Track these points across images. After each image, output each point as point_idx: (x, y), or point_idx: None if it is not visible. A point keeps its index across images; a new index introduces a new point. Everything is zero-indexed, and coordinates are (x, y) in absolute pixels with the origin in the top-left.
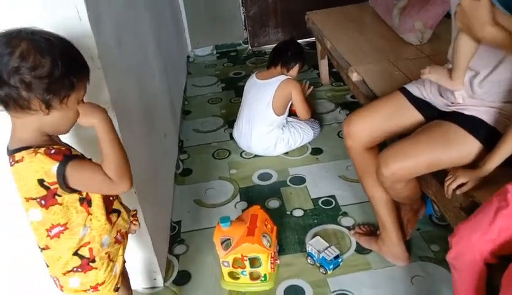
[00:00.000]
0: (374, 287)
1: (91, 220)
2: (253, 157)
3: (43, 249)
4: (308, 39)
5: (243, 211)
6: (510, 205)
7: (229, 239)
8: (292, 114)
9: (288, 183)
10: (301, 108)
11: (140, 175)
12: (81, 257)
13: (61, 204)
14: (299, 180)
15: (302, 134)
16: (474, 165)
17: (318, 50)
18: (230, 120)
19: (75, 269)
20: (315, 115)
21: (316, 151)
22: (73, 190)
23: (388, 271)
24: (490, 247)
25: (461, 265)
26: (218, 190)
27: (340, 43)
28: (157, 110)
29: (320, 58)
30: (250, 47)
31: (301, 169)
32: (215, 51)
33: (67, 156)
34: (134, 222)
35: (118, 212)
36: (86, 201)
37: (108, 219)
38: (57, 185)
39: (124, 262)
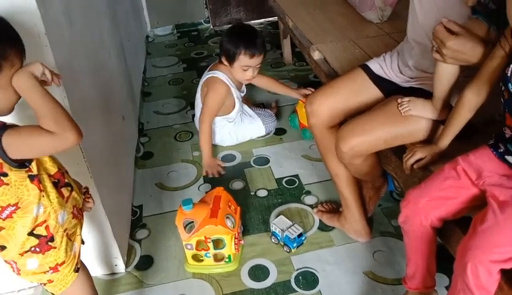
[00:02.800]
0: (336, 263)
1: (43, 196)
2: None
3: None
4: (270, 18)
5: (206, 193)
6: (461, 177)
7: (193, 222)
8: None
9: (252, 164)
10: (204, 114)
11: (96, 158)
12: (37, 236)
13: (7, 184)
14: (263, 160)
15: (251, 130)
16: (431, 139)
17: (281, 29)
18: (192, 101)
19: (32, 249)
20: (269, 108)
21: (279, 131)
22: (21, 164)
23: (350, 248)
24: (438, 213)
25: (409, 228)
26: (181, 172)
27: (301, 22)
28: (114, 91)
29: (283, 37)
30: (211, 26)
31: (264, 150)
32: (175, 31)
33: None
34: (87, 199)
35: (71, 186)
36: (36, 178)
37: (60, 193)
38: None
39: (82, 242)
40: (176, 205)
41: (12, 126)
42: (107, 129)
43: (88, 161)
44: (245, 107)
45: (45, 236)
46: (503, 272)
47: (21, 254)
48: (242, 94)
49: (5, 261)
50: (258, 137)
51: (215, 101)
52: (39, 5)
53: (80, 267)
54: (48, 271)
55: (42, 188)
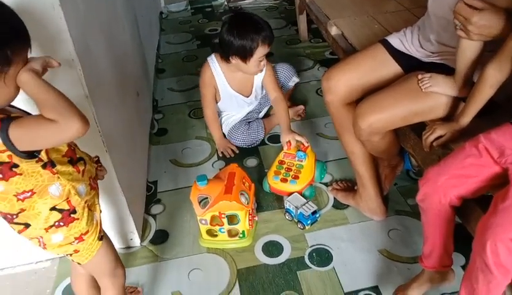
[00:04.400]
0: (351, 241)
1: (58, 177)
2: None
3: (18, 213)
4: None
5: (220, 169)
6: (483, 155)
7: (207, 197)
8: None
9: (266, 141)
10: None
11: (111, 134)
12: (60, 210)
13: (21, 174)
14: (277, 138)
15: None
16: (451, 116)
17: (297, 4)
18: None
19: (57, 223)
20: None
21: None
22: (30, 154)
23: (365, 226)
24: (457, 192)
25: (427, 206)
26: (195, 149)
27: None
28: (128, 67)
29: (299, 13)
30: (226, 3)
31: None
32: (189, 7)
33: (4, 120)
34: (99, 168)
35: (83, 159)
36: (49, 164)
37: (76, 169)
38: (9, 154)
39: (100, 211)
40: (190, 181)
41: (15, 118)
42: (121, 104)
43: (103, 136)
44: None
45: (68, 210)
46: None
47: (46, 230)
48: (253, 100)
49: (31, 238)
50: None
51: (201, 86)
52: None
53: (103, 236)
54: (73, 242)
55: (55, 172)
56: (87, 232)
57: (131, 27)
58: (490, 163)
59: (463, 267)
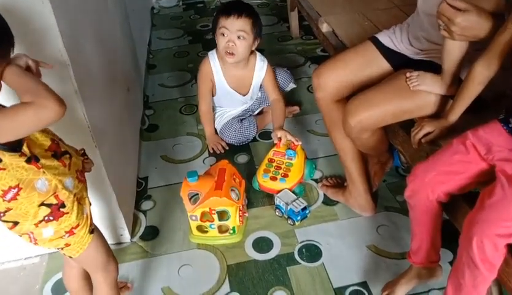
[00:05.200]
0: (340, 237)
1: (44, 172)
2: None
3: (5, 212)
4: None
5: (211, 166)
6: (470, 152)
7: (197, 194)
8: None
9: (257, 138)
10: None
11: (101, 129)
12: (48, 205)
13: (4, 169)
14: (268, 134)
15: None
16: (440, 113)
17: (288, 1)
18: (196, 74)
19: (46, 218)
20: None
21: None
22: (11, 148)
23: (354, 222)
24: (445, 188)
25: (415, 202)
26: (186, 145)
27: None
28: (119, 62)
29: (290, 9)
30: None
31: (270, 124)
32: (181, 3)
33: None
34: (85, 160)
35: (68, 153)
36: (33, 159)
37: (62, 162)
38: None
39: (90, 204)
40: (181, 177)
41: None
42: (112, 100)
43: (93, 131)
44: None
45: (56, 204)
46: (510, 247)
47: (36, 225)
48: (248, 100)
49: (21, 234)
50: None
51: (198, 79)
52: None
53: (94, 229)
54: (64, 235)
55: (40, 166)
56: (77, 225)
57: (122, 22)
58: (478, 160)
59: (451, 263)
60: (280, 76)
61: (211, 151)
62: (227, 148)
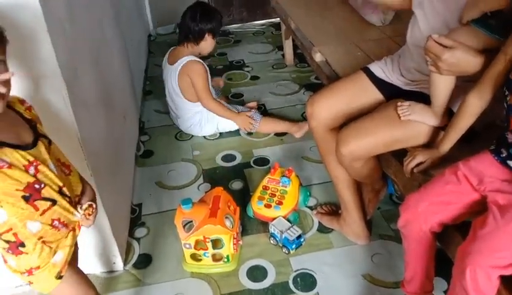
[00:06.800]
0: (335, 265)
1: (1, 206)
2: (216, 138)
3: None
4: (273, 20)
5: (206, 192)
6: (462, 183)
7: (191, 221)
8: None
9: (252, 164)
10: (202, 98)
11: (96, 156)
12: (6, 241)
13: None
14: (263, 161)
15: (230, 121)
16: (432, 143)
17: (283, 30)
18: None
19: (6, 249)
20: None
21: (281, 133)
22: None
23: (349, 250)
24: (438, 218)
25: (408, 232)
26: (181, 172)
27: (304, 23)
28: (116, 89)
29: (285, 38)
30: None
31: (265, 151)
32: (177, 30)
33: None
34: (86, 215)
35: (53, 201)
36: None
37: (33, 206)
38: None
39: (75, 250)
40: (175, 204)
41: None
42: (108, 127)
43: (87, 158)
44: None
45: (14, 242)
46: (503, 278)
47: (3, 249)
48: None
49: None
50: (246, 134)
51: (204, 79)
52: (41, 1)
53: (70, 273)
54: (24, 273)
55: None
56: (38, 267)
57: (120, 51)
58: (469, 190)
59: (445, 292)
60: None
61: (248, 130)
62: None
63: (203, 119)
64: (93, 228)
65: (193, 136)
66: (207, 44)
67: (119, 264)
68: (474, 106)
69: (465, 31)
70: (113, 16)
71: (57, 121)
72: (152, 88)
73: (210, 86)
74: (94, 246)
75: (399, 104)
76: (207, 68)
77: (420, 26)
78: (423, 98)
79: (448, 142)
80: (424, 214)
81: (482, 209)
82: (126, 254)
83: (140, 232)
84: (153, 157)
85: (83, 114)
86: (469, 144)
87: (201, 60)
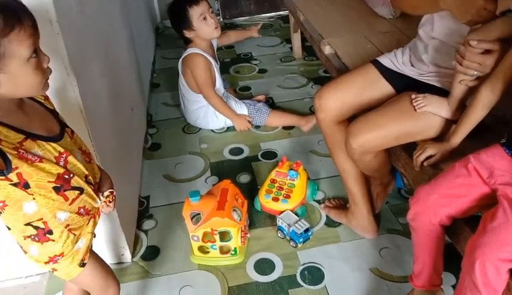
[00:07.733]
0: (343, 259)
1: (34, 199)
2: (224, 131)
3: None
4: (281, 12)
5: (213, 185)
6: (472, 176)
7: (199, 213)
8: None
9: (260, 158)
10: (203, 91)
11: (105, 148)
12: (35, 227)
13: None
14: (271, 155)
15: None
16: (442, 136)
17: (291, 23)
18: None
19: (32, 237)
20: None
21: (288, 126)
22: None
23: (357, 244)
24: (447, 211)
25: (418, 225)
26: (188, 165)
27: (312, 16)
28: (124, 81)
29: (293, 31)
30: (221, 19)
31: (272, 144)
32: None
33: None
34: (107, 202)
35: (80, 189)
36: (21, 185)
37: (63, 196)
38: None
39: (94, 236)
40: (183, 197)
41: None
42: (116, 119)
43: (96, 150)
44: (230, 95)
45: (43, 229)
46: None
47: (25, 238)
48: (218, 66)
49: (16, 241)
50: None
51: (203, 73)
52: None
53: (90, 260)
54: (48, 262)
55: (30, 193)
56: (61, 254)
57: (128, 43)
58: (480, 184)
59: (454, 286)
60: (252, 109)
61: (245, 129)
62: (253, 123)
63: (209, 113)
64: (101, 221)
65: (200, 129)
66: (201, 30)
67: (127, 256)
68: (486, 97)
69: (501, 22)
70: (121, 8)
71: (66, 113)
72: (160, 80)
73: (217, 78)
74: (103, 238)
75: (413, 96)
76: (211, 60)
77: (435, 18)
78: (434, 91)
79: (459, 135)
80: (434, 206)
81: (492, 203)
82: (134, 246)
83: (148, 224)
84: (161, 150)
85: (92, 105)
86: (480, 138)
87: (203, 52)
